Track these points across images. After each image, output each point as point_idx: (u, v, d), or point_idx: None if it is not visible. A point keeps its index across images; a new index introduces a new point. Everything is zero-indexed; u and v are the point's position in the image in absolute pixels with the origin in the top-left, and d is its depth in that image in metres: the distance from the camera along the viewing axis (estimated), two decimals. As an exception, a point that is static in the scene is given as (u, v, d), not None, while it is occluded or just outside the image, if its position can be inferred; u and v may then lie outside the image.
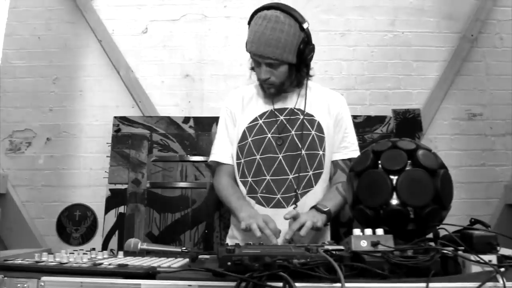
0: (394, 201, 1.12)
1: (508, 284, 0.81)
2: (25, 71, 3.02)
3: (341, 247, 1.01)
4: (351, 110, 2.95)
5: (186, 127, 2.84)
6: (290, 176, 1.61)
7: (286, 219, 1.47)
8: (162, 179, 2.77)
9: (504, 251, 1.05)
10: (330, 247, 0.99)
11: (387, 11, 3.06)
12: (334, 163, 1.71)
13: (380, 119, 2.87)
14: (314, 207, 1.53)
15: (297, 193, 1.61)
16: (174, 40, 3.03)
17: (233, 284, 0.82)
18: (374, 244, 0.96)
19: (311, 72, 1.71)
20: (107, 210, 2.73)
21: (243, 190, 1.67)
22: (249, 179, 1.65)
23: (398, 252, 0.94)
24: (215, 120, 2.78)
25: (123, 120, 2.86)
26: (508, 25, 3.05)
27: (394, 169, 1.14)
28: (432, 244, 1.01)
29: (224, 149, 1.74)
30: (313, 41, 3.06)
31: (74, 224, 2.85)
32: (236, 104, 1.76)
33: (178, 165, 2.78)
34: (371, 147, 1.25)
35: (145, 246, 1.29)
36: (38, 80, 3.02)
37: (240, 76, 2.97)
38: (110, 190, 2.75)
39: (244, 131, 1.68)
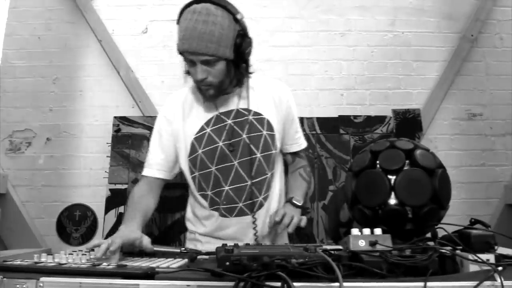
0: (392, 201, 1.13)
1: (505, 282, 0.81)
2: (25, 71, 3.02)
3: (340, 247, 1.02)
4: (351, 110, 2.96)
5: (186, 127, 2.84)
6: (249, 183, 1.56)
7: (270, 228, 1.49)
8: (162, 179, 2.76)
9: (503, 250, 1.05)
10: (328, 247, 1.00)
11: (387, 11, 3.06)
12: (292, 153, 1.72)
13: (380, 119, 2.87)
14: (290, 202, 1.54)
15: (260, 198, 1.58)
16: (174, 40, 3.01)
17: (231, 284, 0.82)
18: (372, 243, 0.96)
19: (251, 69, 1.59)
20: (107, 210, 2.73)
21: (204, 203, 1.62)
22: (209, 192, 1.59)
23: (396, 252, 0.94)
24: (215, 120, 2.79)
25: (123, 120, 2.86)
26: (508, 25, 3.04)
27: (392, 169, 1.15)
28: (430, 243, 1.01)
29: (151, 160, 1.67)
30: (313, 41, 3.06)
31: (74, 224, 2.85)
32: (175, 113, 1.63)
33: (178, 165, 2.78)
34: (369, 147, 1.25)
35: (144, 246, 1.29)
36: (38, 80, 3.01)
37: (240, 76, 2.97)
38: (110, 190, 2.75)
39: (192, 143, 1.58)
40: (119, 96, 2.98)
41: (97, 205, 2.84)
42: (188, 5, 1.45)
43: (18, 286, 0.88)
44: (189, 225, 1.73)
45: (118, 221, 2.70)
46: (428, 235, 1.08)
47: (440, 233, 1.08)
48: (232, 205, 1.56)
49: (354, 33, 3.03)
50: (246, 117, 1.58)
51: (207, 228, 1.62)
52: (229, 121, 1.58)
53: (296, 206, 1.52)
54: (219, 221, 1.59)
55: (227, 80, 1.52)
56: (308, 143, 2.75)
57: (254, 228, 1.54)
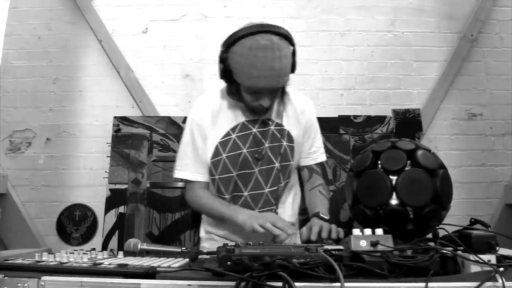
0: (394, 201, 1.12)
1: (507, 283, 0.81)
2: (25, 71, 3.02)
3: (341, 247, 1.02)
4: (351, 110, 2.96)
5: (186, 127, 2.83)
6: (266, 190, 1.60)
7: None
8: (162, 179, 2.76)
9: (503, 251, 1.05)
10: (329, 247, 1.00)
11: (387, 11, 3.06)
12: (309, 168, 1.72)
13: (380, 119, 2.87)
14: (317, 216, 1.53)
15: (275, 206, 1.61)
16: (174, 40, 3.03)
17: (232, 283, 0.82)
18: (374, 244, 0.96)
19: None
20: (107, 210, 2.73)
21: None
22: (227, 196, 1.61)
23: (398, 252, 0.94)
24: (215, 120, 2.79)
25: (123, 120, 2.86)
26: (508, 25, 3.05)
27: (394, 169, 1.14)
28: (432, 244, 1.01)
29: (194, 165, 1.64)
30: (313, 41, 3.07)
31: (74, 224, 2.85)
32: (205, 117, 1.64)
33: (178, 165, 2.78)
34: (370, 147, 1.25)
35: (145, 246, 1.29)
36: (38, 80, 3.01)
37: (240, 76, 2.97)
38: (110, 190, 2.75)
39: (217, 147, 1.60)
40: (119, 96, 2.98)
41: (97, 205, 2.85)
42: (246, 35, 1.43)
43: (19, 285, 0.88)
44: (206, 227, 1.74)
45: (118, 221, 2.70)
46: (429, 235, 1.08)
47: (441, 233, 1.08)
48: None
49: (354, 33, 3.04)
50: (269, 127, 1.62)
51: (224, 231, 1.64)
52: (254, 130, 1.61)
53: (324, 220, 1.51)
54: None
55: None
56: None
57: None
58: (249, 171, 1.59)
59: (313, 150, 1.72)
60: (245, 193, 1.59)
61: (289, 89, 1.67)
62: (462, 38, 3.00)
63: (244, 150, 1.59)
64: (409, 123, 2.88)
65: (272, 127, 1.62)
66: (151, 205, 2.73)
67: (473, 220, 1.18)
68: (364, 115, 2.87)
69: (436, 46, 3.03)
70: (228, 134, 1.61)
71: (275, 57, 1.39)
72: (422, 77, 3.01)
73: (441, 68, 3.00)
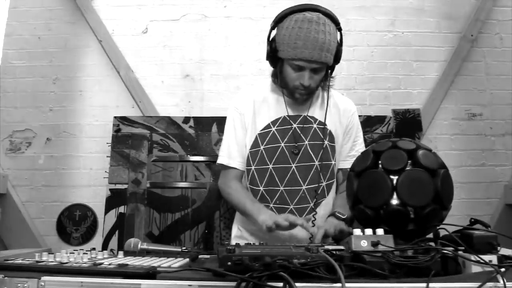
0: (394, 201, 1.12)
1: (508, 284, 0.81)
2: (25, 71, 3.02)
3: (342, 247, 1.02)
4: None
5: (186, 127, 2.84)
6: (303, 187, 1.60)
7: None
8: (162, 179, 2.76)
9: (504, 251, 1.05)
10: (330, 247, 1.00)
11: (387, 11, 3.06)
12: (344, 171, 1.69)
13: (380, 119, 2.87)
14: (333, 215, 1.53)
15: (311, 204, 1.60)
16: (174, 40, 3.03)
17: (233, 284, 0.82)
18: (374, 244, 0.96)
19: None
20: (107, 210, 2.73)
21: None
22: (261, 188, 1.62)
23: (398, 252, 0.94)
24: (215, 120, 2.79)
25: (123, 120, 2.86)
26: (508, 25, 3.05)
27: (394, 169, 1.14)
28: (432, 244, 1.01)
29: (231, 152, 1.67)
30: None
31: (74, 224, 2.85)
32: (247, 107, 1.67)
33: (178, 165, 2.78)
34: (371, 147, 1.25)
35: (145, 246, 1.29)
36: (38, 80, 3.01)
37: (240, 76, 2.97)
38: (110, 190, 2.75)
39: (256, 138, 1.64)
40: (119, 96, 2.98)
41: (97, 205, 2.85)
42: (294, 11, 1.50)
43: (19, 285, 0.88)
44: (240, 222, 1.74)
45: (118, 221, 2.70)
46: (430, 235, 1.08)
47: (441, 233, 1.07)
48: (284, 206, 1.59)
49: (354, 33, 3.04)
50: (310, 125, 1.63)
51: (256, 226, 1.59)
52: (294, 125, 1.63)
53: (339, 219, 1.50)
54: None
55: (320, 84, 1.60)
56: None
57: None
58: (286, 165, 1.60)
59: (352, 154, 1.69)
60: (281, 188, 1.60)
61: (333, 91, 1.70)
62: (462, 38, 3.00)
63: (282, 144, 1.61)
64: (409, 123, 2.88)
65: (315, 125, 1.63)
66: (151, 205, 2.73)
67: (473, 220, 1.17)
68: (364, 115, 2.87)
69: (436, 46, 3.03)
70: (268, 126, 1.64)
71: (320, 30, 1.45)
72: (422, 77, 3.01)
73: (441, 68, 3.00)
